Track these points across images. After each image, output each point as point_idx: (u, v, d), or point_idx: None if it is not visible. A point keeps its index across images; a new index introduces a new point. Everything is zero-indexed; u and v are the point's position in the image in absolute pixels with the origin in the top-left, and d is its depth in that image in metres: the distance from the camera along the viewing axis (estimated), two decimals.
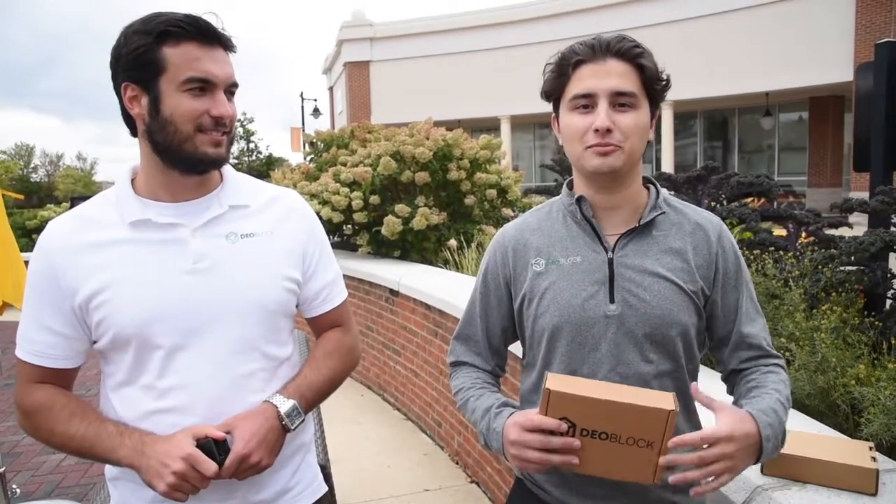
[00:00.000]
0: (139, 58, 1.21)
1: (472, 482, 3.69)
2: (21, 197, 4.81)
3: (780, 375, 1.30)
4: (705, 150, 25.32)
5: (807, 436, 1.74)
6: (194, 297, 1.26)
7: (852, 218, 3.97)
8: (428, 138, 6.10)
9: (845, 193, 18.82)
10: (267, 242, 1.36)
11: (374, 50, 27.92)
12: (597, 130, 1.21)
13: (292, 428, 1.31)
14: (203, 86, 1.22)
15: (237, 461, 1.21)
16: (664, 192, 1.37)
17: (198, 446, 1.19)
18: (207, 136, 1.24)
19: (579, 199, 1.32)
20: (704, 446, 1.08)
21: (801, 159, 22.56)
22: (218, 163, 1.28)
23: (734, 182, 3.89)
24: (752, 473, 1.60)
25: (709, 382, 1.39)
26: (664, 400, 1.08)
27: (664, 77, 1.28)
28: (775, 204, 4.33)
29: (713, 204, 4.09)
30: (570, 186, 1.38)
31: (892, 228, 2.93)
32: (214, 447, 1.20)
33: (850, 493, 1.51)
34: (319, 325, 1.52)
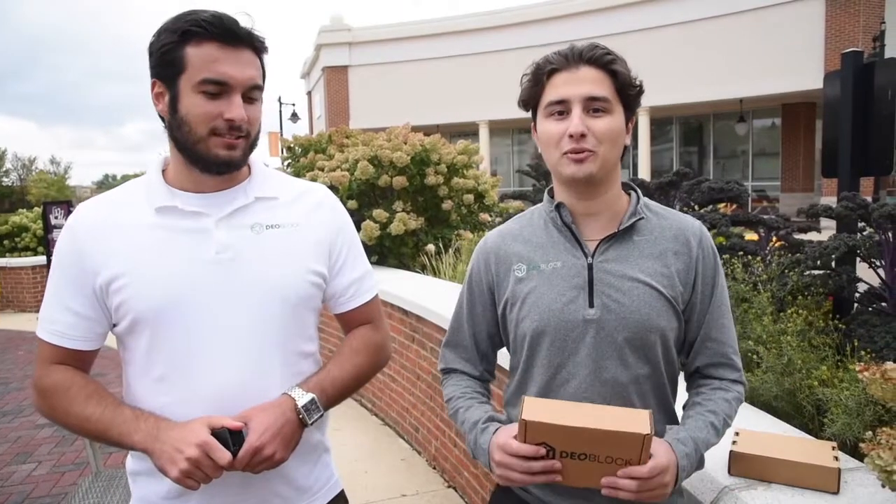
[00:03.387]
0: (165, 55, 1.21)
1: (449, 487, 3.70)
2: None
3: (729, 393, 1.36)
4: (681, 155, 25.64)
5: (772, 437, 1.78)
6: (215, 288, 1.25)
7: (824, 222, 4.05)
8: (406, 143, 6.11)
9: (817, 198, 19.18)
10: (292, 234, 1.34)
11: (353, 55, 27.88)
12: (571, 136, 1.24)
13: (309, 423, 1.29)
14: (218, 88, 1.20)
15: (250, 453, 1.20)
16: (645, 198, 1.39)
17: (213, 435, 1.17)
18: (221, 139, 1.22)
19: (559, 206, 1.34)
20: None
21: (775, 164, 22.96)
22: (231, 165, 1.27)
23: (705, 188, 3.96)
24: (720, 474, 1.63)
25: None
26: (640, 422, 1.11)
27: (637, 83, 1.30)
28: (749, 208, 4.40)
29: (685, 209, 4.15)
30: (552, 193, 1.40)
31: (859, 234, 3.00)
32: (229, 437, 1.19)
33: (814, 492, 1.54)
34: (348, 322, 1.50)
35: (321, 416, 1.32)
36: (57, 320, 1.28)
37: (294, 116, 28.36)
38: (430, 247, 5.73)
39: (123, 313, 1.25)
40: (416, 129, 6.71)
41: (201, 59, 1.19)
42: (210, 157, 1.24)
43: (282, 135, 25.74)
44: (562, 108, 1.26)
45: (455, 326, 1.50)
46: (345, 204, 5.85)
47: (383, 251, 5.98)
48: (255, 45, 1.24)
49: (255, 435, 1.20)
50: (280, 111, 28.90)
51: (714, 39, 20.36)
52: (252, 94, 1.24)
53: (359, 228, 5.74)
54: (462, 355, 1.49)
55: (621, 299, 1.28)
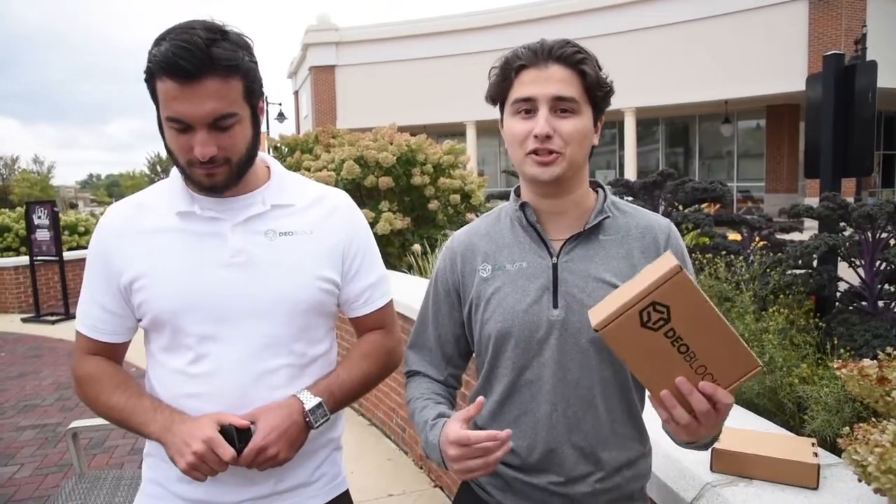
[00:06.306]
0: (146, 84, 1.22)
1: (435, 487, 3.70)
2: None
3: None
4: (667, 155, 25.84)
5: (754, 434, 1.80)
6: (226, 291, 1.30)
7: (807, 223, 4.10)
8: (392, 143, 6.12)
9: (801, 199, 19.38)
10: (305, 241, 1.37)
11: (340, 54, 27.85)
12: (536, 136, 1.21)
13: (315, 426, 1.33)
14: (182, 125, 1.20)
15: (255, 452, 1.24)
16: (613, 196, 1.37)
17: (221, 432, 1.23)
18: (200, 169, 1.24)
19: (523, 205, 1.32)
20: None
21: (759, 165, 23.19)
22: (216, 190, 1.28)
23: (689, 188, 3.99)
24: (702, 471, 1.65)
25: None
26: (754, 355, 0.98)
27: (607, 83, 1.27)
28: (735, 208, 4.44)
29: (669, 209, 4.19)
30: (518, 192, 1.37)
31: (843, 234, 3.04)
32: (235, 434, 1.24)
33: (794, 488, 1.57)
34: (360, 326, 1.55)
35: (327, 419, 1.36)
36: (90, 315, 1.38)
37: (281, 116, 28.24)
38: (417, 247, 5.74)
39: (144, 311, 1.33)
40: (403, 129, 6.72)
41: (163, 95, 1.19)
42: (196, 181, 1.28)
43: (268, 134, 25.62)
44: (528, 107, 1.23)
45: (420, 328, 1.48)
46: None
47: None
48: (218, 71, 1.18)
49: (261, 434, 1.25)
50: (266, 111, 28.71)
51: (699, 42, 20.53)
52: (221, 123, 1.21)
53: None
54: (426, 358, 1.46)
55: (585, 300, 1.24)
